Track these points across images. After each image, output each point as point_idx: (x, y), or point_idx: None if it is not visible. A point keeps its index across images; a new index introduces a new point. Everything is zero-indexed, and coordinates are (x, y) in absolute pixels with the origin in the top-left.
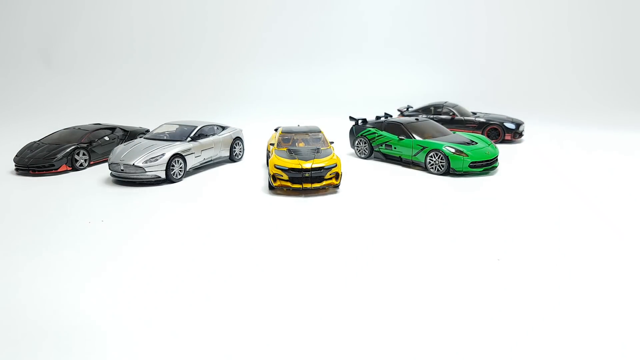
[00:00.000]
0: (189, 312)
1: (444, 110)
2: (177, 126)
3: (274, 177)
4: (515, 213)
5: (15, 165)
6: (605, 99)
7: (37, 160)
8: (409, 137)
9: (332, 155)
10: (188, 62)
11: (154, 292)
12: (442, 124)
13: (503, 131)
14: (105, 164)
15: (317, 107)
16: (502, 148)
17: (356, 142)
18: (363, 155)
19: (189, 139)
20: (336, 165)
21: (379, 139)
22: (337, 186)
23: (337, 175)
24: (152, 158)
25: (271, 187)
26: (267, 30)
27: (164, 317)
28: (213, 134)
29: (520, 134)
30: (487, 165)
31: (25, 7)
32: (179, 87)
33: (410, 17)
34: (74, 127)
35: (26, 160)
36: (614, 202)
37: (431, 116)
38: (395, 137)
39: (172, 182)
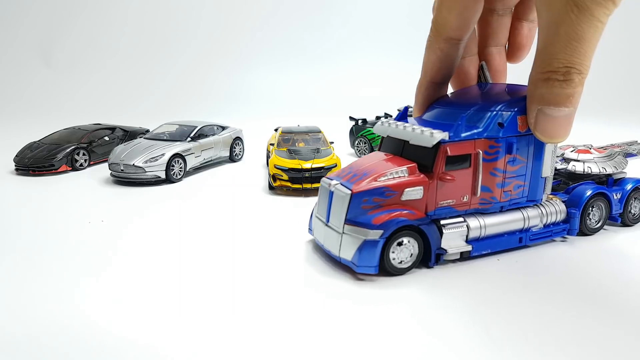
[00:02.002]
0: (189, 313)
1: None
2: (177, 126)
3: (274, 177)
4: None
5: (15, 165)
6: (607, 98)
7: (37, 160)
8: None
9: (332, 155)
10: (188, 62)
11: (154, 293)
12: None
13: None
14: (105, 164)
15: (317, 107)
16: None
17: (356, 142)
18: (363, 155)
19: (189, 139)
20: (336, 166)
21: (379, 138)
22: None
23: None
24: (152, 158)
25: (271, 187)
26: (267, 29)
27: (164, 318)
28: (213, 134)
29: None
30: None
31: (24, 6)
32: (179, 86)
33: (411, 16)
34: (73, 127)
35: (26, 160)
36: None
37: None
38: None
39: (172, 182)
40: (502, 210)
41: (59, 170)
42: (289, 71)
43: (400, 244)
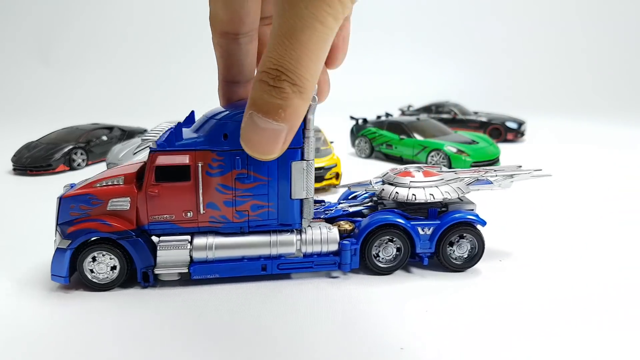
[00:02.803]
0: (186, 314)
1: (446, 109)
2: None
3: None
4: (516, 213)
5: (13, 165)
6: (609, 97)
7: (34, 160)
8: (409, 136)
9: (332, 155)
10: (187, 61)
11: (152, 292)
12: (444, 124)
13: (505, 130)
14: (103, 164)
15: (317, 107)
16: (503, 148)
17: (357, 141)
18: (364, 155)
19: None
20: (336, 165)
21: (380, 138)
22: (337, 186)
23: (337, 175)
24: None
25: None
26: None
27: (162, 319)
28: None
29: (522, 134)
30: (488, 165)
31: (23, 5)
32: (178, 86)
33: (411, 16)
34: (71, 127)
35: (24, 160)
36: (618, 202)
37: (432, 115)
38: (396, 136)
39: None
40: (242, 231)
41: (56, 170)
42: None
43: (95, 257)
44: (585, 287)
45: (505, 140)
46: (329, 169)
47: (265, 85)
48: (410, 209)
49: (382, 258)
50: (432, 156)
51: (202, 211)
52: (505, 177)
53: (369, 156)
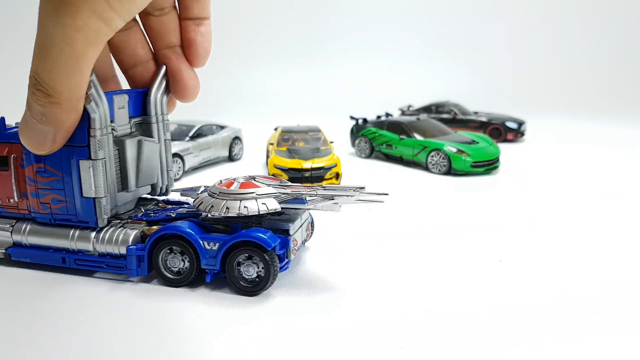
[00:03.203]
0: (184, 315)
1: (446, 109)
2: (176, 125)
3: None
4: (517, 213)
5: None
6: (609, 97)
7: None
8: (410, 136)
9: (332, 155)
10: None
11: (151, 291)
12: (444, 124)
13: (505, 130)
14: None
15: (317, 107)
16: (503, 148)
17: (357, 141)
18: (364, 155)
19: (187, 138)
20: (336, 165)
21: (380, 138)
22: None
23: (338, 175)
24: None
25: None
26: (267, 29)
27: (160, 321)
28: (212, 134)
29: (522, 134)
30: (488, 165)
31: (22, 5)
32: None
33: (411, 16)
34: None
35: None
36: (618, 202)
37: (432, 115)
38: (396, 136)
39: None
40: (51, 222)
41: None
42: (289, 71)
43: None
44: (585, 287)
45: (505, 140)
46: (329, 168)
47: (30, 90)
48: (228, 221)
49: (171, 268)
50: (432, 156)
51: (16, 199)
52: (324, 198)
53: (369, 156)
